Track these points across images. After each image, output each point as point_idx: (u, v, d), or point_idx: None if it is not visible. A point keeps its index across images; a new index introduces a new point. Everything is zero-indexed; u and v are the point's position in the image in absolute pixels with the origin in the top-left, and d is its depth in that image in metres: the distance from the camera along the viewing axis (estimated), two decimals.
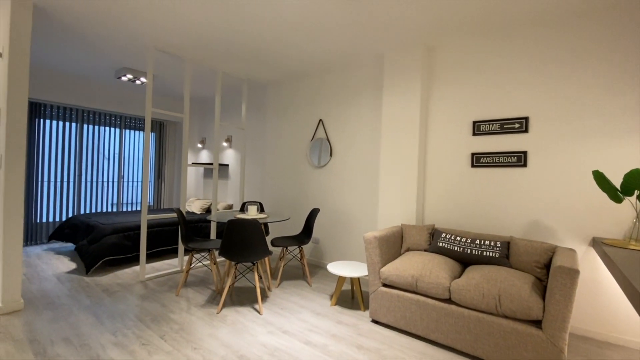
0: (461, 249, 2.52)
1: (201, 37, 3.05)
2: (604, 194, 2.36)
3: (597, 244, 2.17)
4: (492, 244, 2.47)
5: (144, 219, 3.22)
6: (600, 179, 2.07)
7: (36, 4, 2.54)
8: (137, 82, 4.41)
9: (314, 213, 3.38)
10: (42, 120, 4.53)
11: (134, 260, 3.93)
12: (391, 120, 3.23)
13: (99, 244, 3.45)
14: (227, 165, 5.27)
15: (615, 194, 2.04)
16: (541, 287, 2.09)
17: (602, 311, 2.33)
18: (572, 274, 1.78)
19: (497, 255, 2.41)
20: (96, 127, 5.10)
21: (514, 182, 2.75)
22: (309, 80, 4.14)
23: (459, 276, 2.33)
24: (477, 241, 2.52)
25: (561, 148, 2.55)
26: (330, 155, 3.87)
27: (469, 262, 2.51)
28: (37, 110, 4.47)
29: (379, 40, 3.00)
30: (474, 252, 2.47)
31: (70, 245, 4.54)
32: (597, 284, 2.35)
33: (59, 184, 4.72)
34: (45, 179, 4.59)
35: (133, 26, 2.87)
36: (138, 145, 5.64)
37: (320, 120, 3.99)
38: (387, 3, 2.36)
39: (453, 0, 2.33)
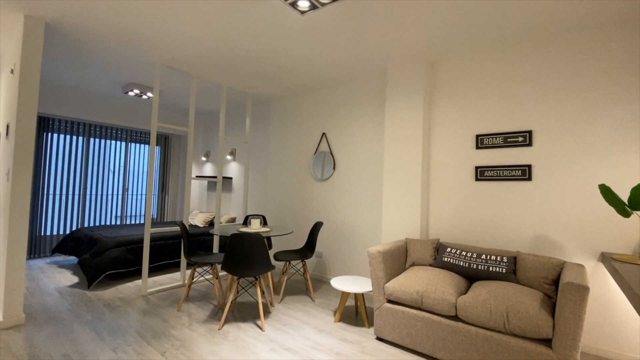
0: (467, 264, 2.49)
1: (207, 53, 3.12)
2: (612, 208, 2.33)
3: (606, 259, 2.13)
4: (498, 259, 2.44)
5: (147, 233, 3.22)
6: (606, 193, 2.04)
7: (48, 22, 2.62)
8: (144, 97, 4.49)
9: (317, 226, 3.37)
10: (50, 134, 4.62)
11: (137, 274, 3.92)
12: (394, 133, 3.24)
13: (102, 258, 3.45)
14: (231, 178, 5.30)
15: (623, 208, 2.01)
16: (550, 304, 2.04)
17: (614, 329, 2.26)
18: (582, 290, 1.73)
19: (504, 270, 2.37)
20: (102, 141, 5.18)
21: (519, 196, 2.73)
22: (312, 94, 4.20)
23: (465, 292, 2.30)
24: (483, 256, 2.49)
25: (566, 161, 2.54)
26: (334, 168, 3.88)
27: (475, 277, 2.47)
28: (45, 125, 4.56)
29: (382, 55, 3.05)
30: (480, 268, 2.44)
31: (73, 259, 4.54)
32: (608, 301, 2.29)
33: (64, 196, 4.77)
34: (51, 191, 4.64)
35: (141, 43, 2.95)
36: (143, 158, 5.70)
37: (324, 133, 4.02)
38: (390, 19, 2.41)
39: (455, 18, 2.37)
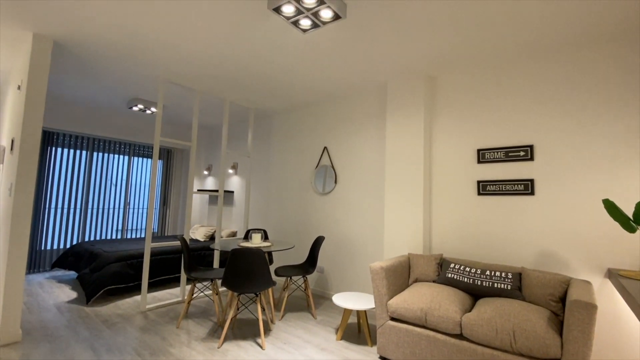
0: (471, 280, 2.46)
1: (210, 69, 3.18)
2: (617, 223, 2.31)
3: (613, 275, 2.10)
4: (503, 275, 2.40)
5: (148, 247, 3.20)
6: (611, 208, 2.03)
7: (56, 40, 2.69)
8: (148, 111, 4.55)
9: (318, 241, 3.34)
10: (53, 148, 4.67)
11: (137, 289, 3.88)
12: (395, 148, 3.26)
13: (101, 273, 3.42)
14: (232, 192, 5.30)
15: (628, 224, 1.99)
16: (558, 322, 1.99)
17: (623, 347, 2.20)
18: (590, 308, 1.70)
19: (509, 287, 2.33)
20: (105, 155, 5.24)
21: (522, 211, 2.71)
22: (313, 109, 4.24)
23: (470, 309, 2.23)
24: (488, 272, 2.46)
25: (568, 175, 2.53)
26: (335, 182, 3.88)
27: (479, 294, 2.43)
28: (49, 139, 4.61)
29: (382, 70, 3.10)
30: (484, 284, 2.40)
31: (72, 274, 4.50)
32: (617, 319, 2.24)
33: (65, 211, 4.78)
34: (53, 205, 4.66)
35: (145, 60, 3.02)
36: (145, 172, 5.74)
37: (325, 147, 4.04)
38: (390, 36, 2.46)
39: (454, 34, 2.42)
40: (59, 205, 4.72)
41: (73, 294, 3.60)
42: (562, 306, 2.13)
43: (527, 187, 2.69)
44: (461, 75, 3.10)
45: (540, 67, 2.69)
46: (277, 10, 2.12)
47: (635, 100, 2.30)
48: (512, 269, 2.49)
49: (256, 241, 3.16)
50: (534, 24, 2.26)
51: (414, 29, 2.37)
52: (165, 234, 5.95)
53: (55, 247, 4.66)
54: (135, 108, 4.40)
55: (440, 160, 3.16)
